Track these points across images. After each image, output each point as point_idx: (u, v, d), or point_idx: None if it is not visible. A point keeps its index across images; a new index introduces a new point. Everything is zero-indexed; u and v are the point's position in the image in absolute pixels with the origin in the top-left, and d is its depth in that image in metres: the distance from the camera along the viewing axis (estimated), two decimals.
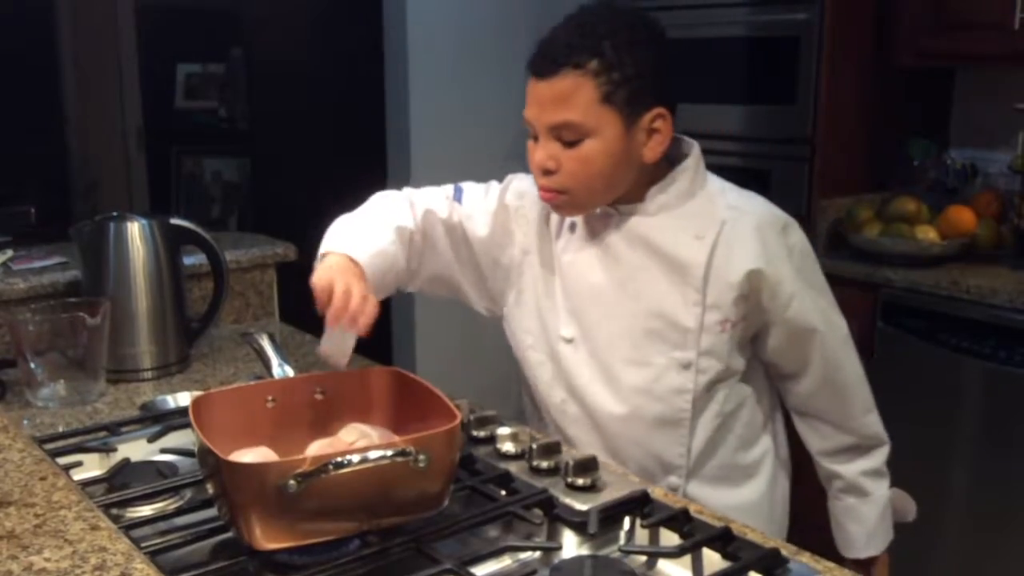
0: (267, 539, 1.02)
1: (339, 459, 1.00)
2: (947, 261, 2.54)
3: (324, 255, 1.34)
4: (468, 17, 3.08)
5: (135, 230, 1.69)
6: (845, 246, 2.68)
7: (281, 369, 1.31)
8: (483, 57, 3.12)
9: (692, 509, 1.15)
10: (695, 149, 1.39)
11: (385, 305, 3.43)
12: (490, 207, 1.49)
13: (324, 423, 1.22)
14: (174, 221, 1.75)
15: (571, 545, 1.12)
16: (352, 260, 1.31)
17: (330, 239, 1.37)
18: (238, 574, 1.03)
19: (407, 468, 1.03)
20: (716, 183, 1.41)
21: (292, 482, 0.99)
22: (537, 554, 1.11)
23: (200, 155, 4.18)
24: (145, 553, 0.90)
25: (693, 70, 3.00)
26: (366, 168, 3.41)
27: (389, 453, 1.02)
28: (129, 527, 1.08)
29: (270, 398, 1.22)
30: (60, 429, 1.41)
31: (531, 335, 1.48)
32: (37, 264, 1.87)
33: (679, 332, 1.34)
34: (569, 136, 1.29)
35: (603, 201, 1.36)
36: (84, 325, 1.56)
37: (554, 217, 1.43)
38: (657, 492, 1.20)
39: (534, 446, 1.26)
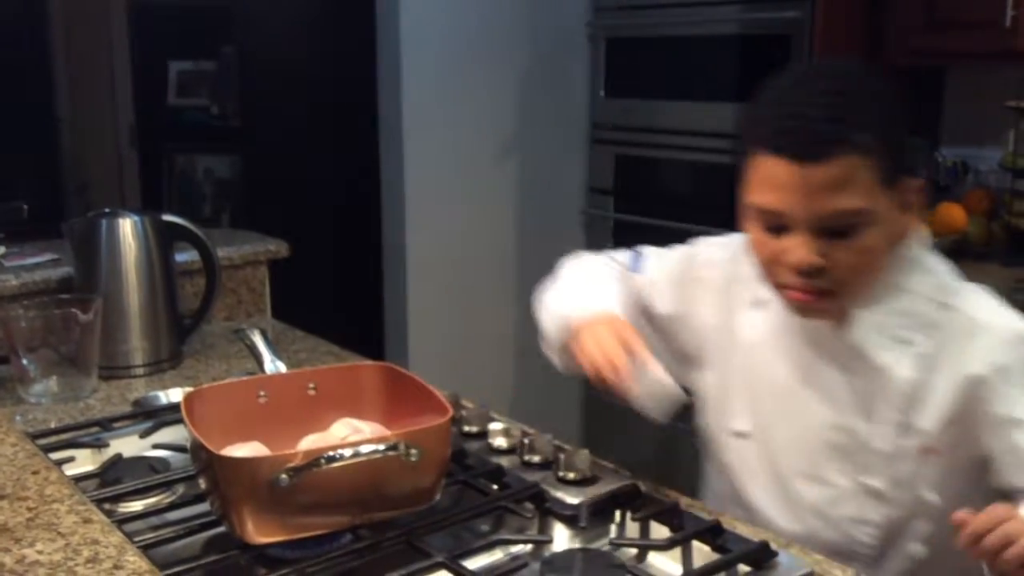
0: (259, 533, 1.03)
1: (331, 453, 1.00)
2: None
3: (574, 327, 1.22)
4: (461, 15, 3.08)
5: (127, 226, 1.69)
6: None
7: (273, 364, 1.32)
8: (476, 55, 3.12)
9: (683, 502, 1.16)
10: (923, 237, 1.17)
11: (377, 301, 3.44)
12: (673, 276, 1.33)
13: (316, 418, 1.22)
14: (166, 217, 1.75)
15: (562, 538, 1.13)
16: (608, 313, 1.21)
17: (565, 308, 1.26)
18: (230, 568, 1.04)
19: (399, 462, 1.03)
20: (934, 276, 1.18)
21: (284, 476, 0.99)
22: (528, 547, 1.11)
23: (192, 153, 4.18)
24: (137, 547, 0.91)
25: (685, 68, 3.02)
26: (358, 166, 3.42)
27: (381, 447, 1.02)
28: (121, 522, 1.08)
29: (262, 393, 1.23)
30: (52, 425, 1.42)
31: (708, 417, 1.33)
32: (29, 261, 1.87)
33: (867, 453, 1.15)
34: (842, 226, 1.07)
35: (864, 296, 1.14)
36: (76, 321, 1.56)
37: (747, 290, 1.25)
38: (648, 485, 1.21)
39: (526, 441, 1.27)
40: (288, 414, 1.22)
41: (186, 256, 1.85)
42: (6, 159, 4.25)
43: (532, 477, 1.21)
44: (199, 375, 1.68)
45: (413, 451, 1.04)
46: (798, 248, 1.08)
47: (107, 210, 1.73)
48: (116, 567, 0.77)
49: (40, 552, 0.79)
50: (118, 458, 1.29)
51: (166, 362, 1.72)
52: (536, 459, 1.25)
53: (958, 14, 2.56)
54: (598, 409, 3.44)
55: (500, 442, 1.30)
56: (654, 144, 3.12)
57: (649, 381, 1.15)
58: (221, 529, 1.08)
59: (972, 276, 2.41)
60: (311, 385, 1.25)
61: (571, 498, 1.16)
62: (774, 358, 1.21)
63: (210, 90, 4.15)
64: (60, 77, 4.95)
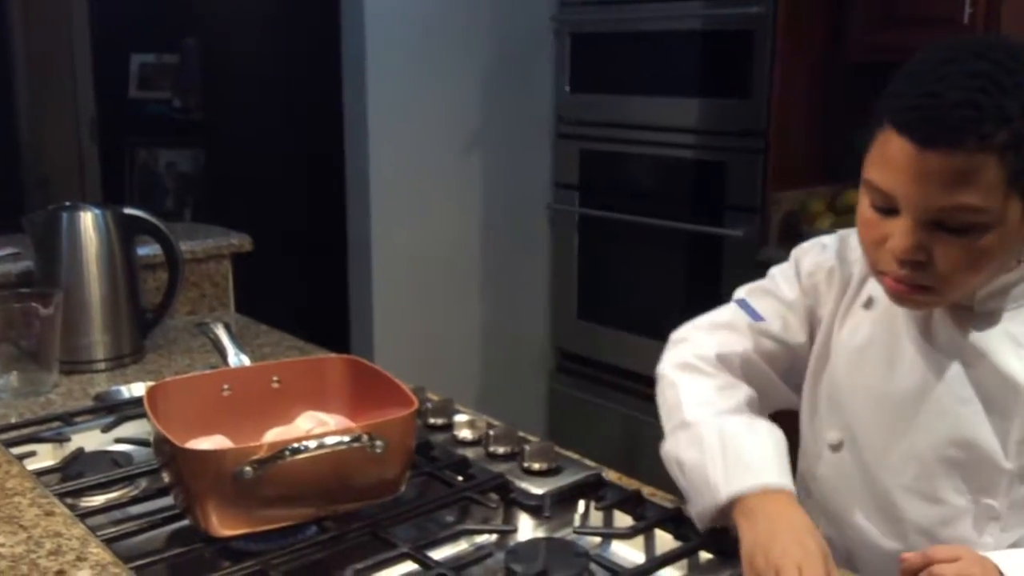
0: (224, 526, 1.02)
1: (296, 445, 1.00)
2: None
3: (735, 501, 1.02)
4: (426, 8, 3.07)
5: (88, 220, 1.67)
6: (799, 238, 2.69)
7: (237, 358, 1.31)
8: (441, 50, 3.12)
9: (645, 491, 1.17)
10: None
11: (342, 296, 3.43)
12: (790, 300, 1.20)
13: (281, 411, 1.22)
14: (128, 211, 1.73)
15: (527, 528, 1.14)
16: (782, 491, 1.02)
17: (718, 477, 1.05)
18: (194, 561, 1.03)
19: (364, 454, 1.04)
20: None
21: (248, 468, 0.99)
22: (493, 537, 1.12)
23: (154, 146, 4.13)
24: (100, 540, 0.90)
25: (649, 63, 3.04)
26: (323, 160, 3.40)
27: (346, 439, 1.03)
28: (83, 516, 1.07)
29: (226, 386, 1.22)
30: (13, 420, 1.40)
31: (801, 430, 1.22)
32: None
33: (989, 472, 1.05)
34: (956, 223, 0.97)
35: (967, 297, 1.05)
36: (37, 315, 1.54)
37: (852, 288, 1.16)
38: (612, 475, 1.22)
39: (491, 432, 1.28)
40: (252, 407, 1.21)
41: (148, 250, 1.83)
42: None
43: (497, 468, 1.22)
44: (162, 369, 1.67)
45: (378, 443, 1.04)
46: (902, 236, 0.99)
47: (68, 203, 1.71)
48: (79, 559, 0.76)
49: (1, 545, 0.79)
50: (80, 452, 1.28)
51: (128, 356, 1.71)
52: (501, 450, 1.26)
53: (918, 11, 2.60)
54: (563, 403, 3.46)
55: (465, 434, 1.31)
56: (619, 139, 3.14)
57: None
58: (185, 523, 1.08)
59: None
60: (275, 378, 1.25)
61: (535, 488, 1.17)
62: (886, 369, 1.11)
63: (172, 83, 4.11)
64: (19, 70, 4.87)
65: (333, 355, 1.32)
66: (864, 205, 1.03)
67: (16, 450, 1.24)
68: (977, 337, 1.05)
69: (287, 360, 1.29)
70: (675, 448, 1.11)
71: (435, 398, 1.41)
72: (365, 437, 1.03)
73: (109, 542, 1.00)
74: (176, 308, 1.85)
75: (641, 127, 3.05)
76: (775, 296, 1.20)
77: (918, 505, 1.09)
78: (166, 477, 1.08)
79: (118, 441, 1.34)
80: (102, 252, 1.67)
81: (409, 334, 3.18)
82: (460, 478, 1.22)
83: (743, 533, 0.99)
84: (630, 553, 1.10)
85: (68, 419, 1.38)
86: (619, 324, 3.20)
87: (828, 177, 2.86)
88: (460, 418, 1.34)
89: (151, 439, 1.13)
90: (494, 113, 3.26)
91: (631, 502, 1.14)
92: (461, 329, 3.32)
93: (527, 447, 1.23)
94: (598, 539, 1.12)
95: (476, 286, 3.33)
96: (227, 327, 1.37)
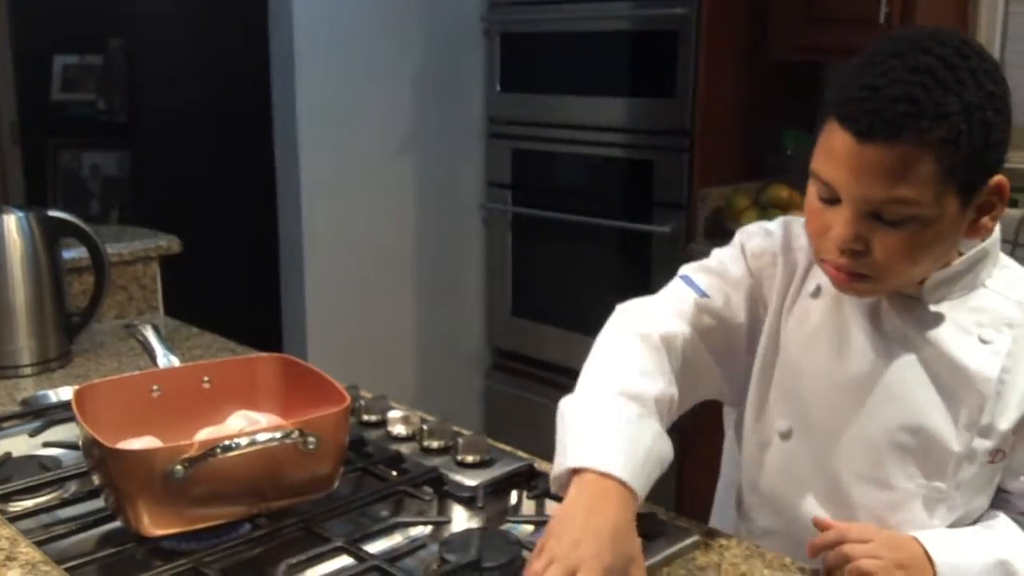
0: (155, 525, 1.02)
1: (227, 443, 1.01)
2: None
3: (576, 471, 0.97)
4: (355, 9, 3.07)
5: (11, 222, 1.64)
6: (725, 233, 2.77)
7: (166, 359, 1.31)
8: (371, 51, 3.12)
9: None
10: (997, 232, 1.09)
11: (275, 299, 3.39)
12: (735, 279, 1.19)
13: (212, 412, 1.21)
14: (52, 213, 1.71)
15: (461, 519, 1.15)
16: (623, 486, 0.96)
17: (576, 446, 1.00)
18: (126, 562, 1.03)
19: (296, 451, 1.04)
20: (1012, 270, 1.13)
21: (179, 467, 0.99)
22: (427, 529, 1.13)
23: (78, 149, 4.05)
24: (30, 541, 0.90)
25: (577, 64, 3.07)
26: (252, 161, 3.38)
27: (277, 435, 1.03)
28: (12, 519, 1.06)
29: (155, 387, 1.22)
30: None
31: (746, 418, 1.21)
32: None
33: (939, 456, 1.07)
34: (892, 215, 0.99)
35: (906, 287, 1.08)
36: None
37: (798, 276, 1.17)
38: (543, 465, 1.24)
39: (425, 427, 1.29)
40: (183, 408, 1.21)
41: (73, 253, 1.81)
42: None
43: (431, 462, 1.23)
44: (89, 373, 1.65)
45: (311, 439, 1.05)
46: (842, 226, 1.01)
47: None
48: (9, 559, 0.76)
49: None
50: (7, 457, 1.26)
51: (55, 361, 1.68)
52: (435, 445, 1.27)
53: (835, 11, 2.68)
54: (499, 400, 3.48)
55: (399, 430, 1.32)
56: (550, 138, 3.17)
57: None
58: (115, 524, 1.08)
59: None
60: (206, 378, 1.24)
61: (469, 480, 1.18)
62: (837, 356, 1.11)
63: (96, 85, 4.03)
64: None
65: (264, 354, 1.32)
66: (811, 194, 1.05)
67: None
68: (924, 325, 1.07)
69: (218, 360, 1.29)
70: (567, 404, 1.07)
71: (368, 395, 1.42)
72: (297, 433, 1.04)
73: (39, 545, 0.99)
74: (103, 311, 1.83)
75: (571, 126, 3.09)
76: (720, 275, 1.19)
77: (868, 491, 1.10)
78: (96, 479, 1.08)
79: (46, 445, 1.32)
80: (26, 255, 1.65)
81: (343, 336, 3.17)
82: (394, 473, 1.23)
83: (562, 505, 0.96)
84: None
85: None
86: (553, 321, 3.23)
87: (752, 173, 2.93)
88: (394, 414, 1.35)
89: (80, 442, 1.13)
90: (425, 113, 3.27)
91: None
92: (396, 329, 3.32)
93: (460, 440, 1.24)
94: (531, 527, 1.13)
95: (410, 286, 3.33)
96: (155, 328, 1.37)
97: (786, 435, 1.15)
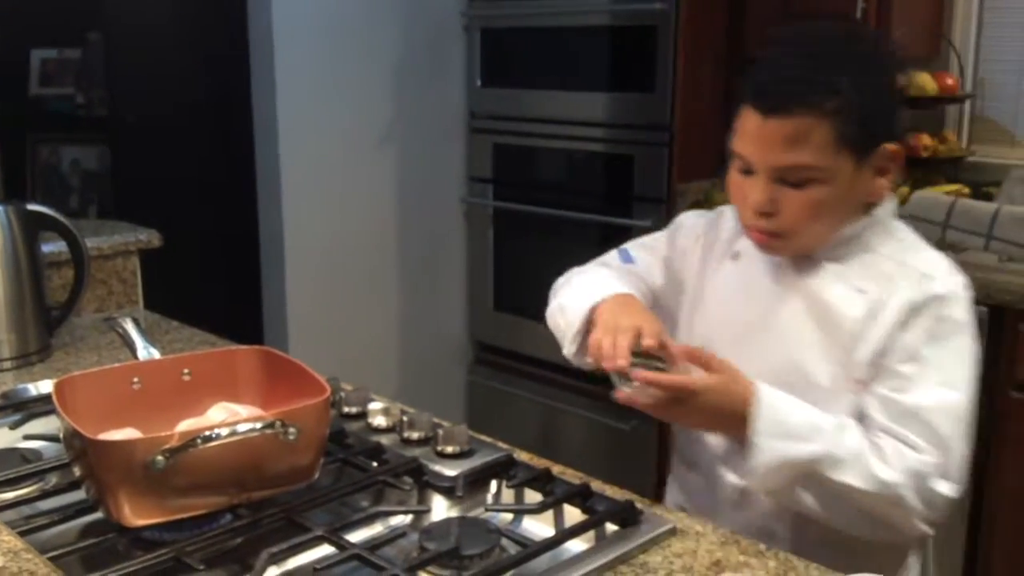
0: (136, 516, 1.03)
1: (207, 433, 1.01)
2: None
3: (594, 309, 1.26)
4: (336, 3, 3.07)
5: None
6: None
7: (146, 351, 1.31)
8: (351, 44, 3.12)
9: (555, 469, 1.21)
10: (890, 203, 1.26)
11: (255, 286, 3.38)
12: (660, 254, 1.41)
13: (192, 404, 1.22)
14: (31, 207, 1.71)
15: (440, 509, 1.17)
16: (625, 294, 1.27)
17: (584, 300, 1.29)
18: (107, 552, 1.04)
19: (277, 441, 1.05)
20: (899, 239, 1.26)
21: (160, 458, 1.00)
22: (408, 519, 1.15)
23: (57, 143, 4.02)
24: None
25: (557, 58, 3.09)
26: (232, 156, 3.37)
27: (258, 426, 1.04)
28: None
29: (136, 380, 1.22)
30: None
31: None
32: None
33: (814, 389, 1.20)
34: (794, 178, 1.17)
35: (823, 243, 1.23)
36: None
37: (721, 249, 1.34)
38: (523, 455, 1.26)
39: (405, 419, 1.30)
40: (163, 400, 1.22)
41: (53, 247, 1.81)
42: None
43: (411, 453, 1.24)
44: (69, 367, 1.65)
45: (291, 429, 1.06)
46: (756, 192, 1.19)
47: None
48: None
49: None
50: None
51: (34, 355, 1.68)
52: (415, 436, 1.28)
53: (812, 7, 2.69)
54: (482, 394, 3.50)
55: (380, 421, 1.33)
56: (531, 133, 3.18)
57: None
58: (96, 515, 1.08)
59: None
60: (186, 371, 1.25)
61: (448, 470, 1.19)
62: (743, 305, 1.29)
63: (75, 79, 4.00)
64: None
65: (245, 347, 1.33)
66: (732, 171, 1.23)
67: None
68: (814, 279, 1.24)
69: (198, 352, 1.29)
70: (558, 300, 1.38)
71: (349, 388, 1.43)
72: (278, 424, 1.04)
73: (21, 536, 1.00)
74: (83, 305, 1.82)
75: (552, 121, 3.10)
76: (649, 248, 1.42)
77: None
78: (77, 470, 1.08)
79: (27, 438, 1.33)
80: (5, 249, 1.65)
81: (324, 330, 3.17)
82: (374, 463, 1.24)
83: (596, 323, 1.23)
84: (540, 528, 1.13)
85: None
86: (535, 315, 3.21)
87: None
88: (374, 406, 1.36)
89: (60, 434, 1.13)
90: (407, 108, 3.27)
91: (541, 480, 1.18)
92: (377, 324, 3.32)
93: (440, 431, 1.25)
94: (509, 515, 1.15)
95: (392, 281, 3.34)
96: (135, 321, 1.37)
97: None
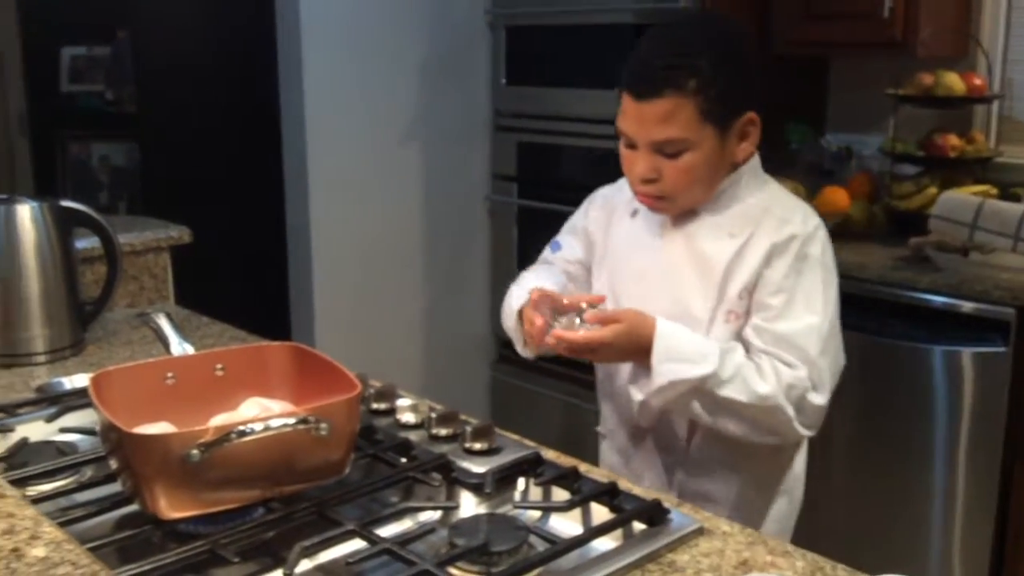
0: (172, 509, 1.05)
1: (242, 428, 1.03)
2: None
3: (521, 312, 1.48)
4: (362, 4, 3.09)
5: (25, 213, 1.67)
6: None
7: (180, 347, 1.33)
8: (378, 42, 3.13)
9: (582, 468, 1.22)
10: (754, 160, 1.45)
11: (282, 282, 3.40)
12: (577, 230, 1.61)
13: (225, 399, 1.24)
14: (65, 203, 1.73)
15: (469, 505, 1.18)
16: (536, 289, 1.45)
17: (511, 305, 1.53)
18: (143, 544, 1.05)
19: (309, 436, 1.06)
20: (770, 186, 1.48)
21: (195, 452, 1.01)
22: (437, 514, 1.16)
23: (87, 140, 4.07)
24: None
25: (582, 56, 3.09)
26: (260, 153, 3.40)
27: (291, 421, 1.05)
28: (30, 503, 1.08)
29: (170, 375, 1.24)
30: None
31: None
32: None
33: (693, 321, 1.41)
34: (670, 149, 1.36)
35: (701, 200, 1.43)
36: None
37: (619, 209, 1.54)
38: (549, 454, 1.27)
39: (433, 416, 1.31)
40: (197, 395, 1.23)
41: (85, 243, 1.83)
42: None
43: (439, 449, 1.25)
44: (102, 361, 1.67)
45: (323, 425, 1.07)
46: (640, 163, 1.40)
47: (4, 196, 1.70)
48: (33, 537, 0.78)
49: None
50: (24, 442, 1.28)
51: (68, 349, 1.71)
52: (443, 432, 1.29)
53: (838, 5, 2.69)
54: (505, 392, 3.51)
55: (408, 418, 1.34)
56: (555, 131, 3.18)
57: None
58: (131, 508, 1.10)
59: (854, 255, 2.55)
60: (219, 366, 1.27)
61: (477, 467, 1.20)
62: (638, 255, 1.49)
63: (105, 76, 4.05)
64: None
65: (276, 343, 1.34)
66: (621, 146, 1.43)
67: None
68: (694, 228, 1.44)
69: (231, 348, 1.31)
70: (502, 309, 1.58)
71: (377, 384, 1.44)
72: (311, 419, 1.06)
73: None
74: (115, 300, 1.85)
75: (576, 119, 3.10)
76: (571, 229, 1.63)
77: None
78: (113, 463, 1.10)
79: (62, 431, 1.34)
80: (40, 245, 1.67)
81: (350, 327, 3.20)
82: (403, 459, 1.25)
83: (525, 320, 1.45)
84: (568, 526, 1.14)
85: (11, 410, 1.38)
86: None
87: None
88: (402, 402, 1.37)
89: (96, 427, 1.15)
90: (432, 106, 3.28)
91: (568, 478, 1.19)
92: (402, 321, 3.34)
93: (468, 428, 1.26)
94: (537, 513, 1.16)
95: (417, 278, 3.35)
96: (169, 316, 1.39)
97: None
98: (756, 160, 1.46)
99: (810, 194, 2.78)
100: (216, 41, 3.70)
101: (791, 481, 1.54)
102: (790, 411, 1.35)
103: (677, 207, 1.44)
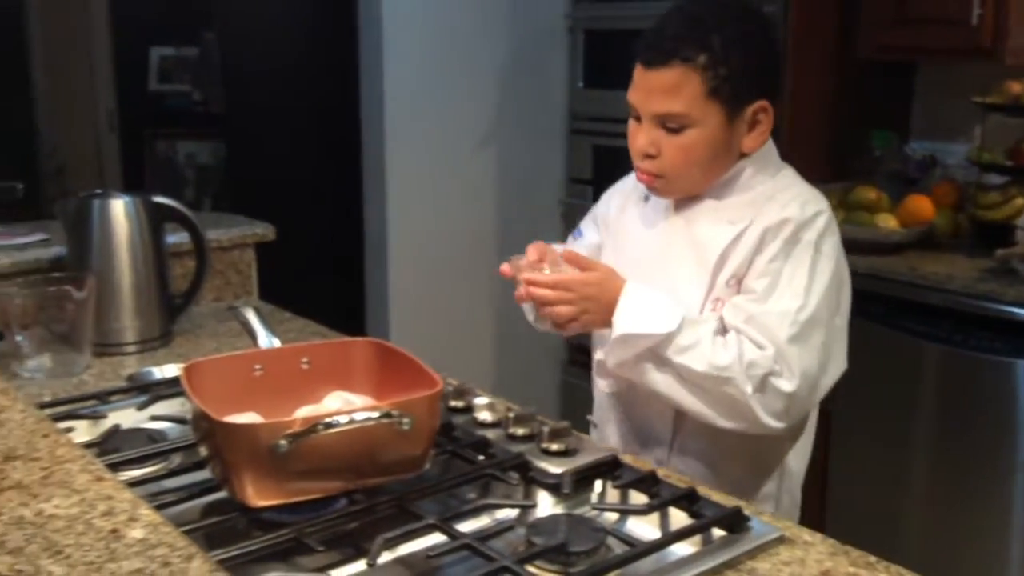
0: (259, 497, 1.07)
1: (328, 420, 1.05)
2: (906, 248, 2.63)
3: None
4: (442, 4, 3.12)
5: (119, 207, 1.73)
6: None
7: (268, 340, 1.36)
8: (457, 44, 3.17)
9: (660, 472, 1.21)
10: (766, 147, 1.41)
11: (359, 288, 3.44)
12: (597, 217, 1.60)
13: (309, 392, 1.26)
14: (157, 199, 1.78)
15: (546, 505, 1.18)
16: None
17: None
18: (229, 530, 1.08)
19: (391, 430, 1.08)
20: (783, 174, 1.43)
21: (283, 442, 1.04)
22: (514, 512, 1.17)
23: (174, 138, 4.19)
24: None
25: None
26: (340, 152, 3.45)
27: (375, 415, 1.07)
28: None
29: (257, 367, 1.27)
30: (47, 399, 1.45)
31: None
32: (19, 240, 1.90)
33: (693, 309, 1.38)
34: (672, 124, 1.34)
35: (699, 187, 1.40)
36: (70, 299, 1.60)
37: (634, 194, 1.52)
38: (626, 457, 1.27)
39: (510, 415, 1.32)
40: (282, 387, 1.26)
41: (174, 238, 1.88)
42: None
43: (516, 449, 1.26)
44: (189, 353, 1.72)
45: (405, 420, 1.09)
46: (642, 135, 1.38)
47: (99, 191, 1.76)
48: (131, 519, 0.81)
49: (57, 507, 0.84)
50: (116, 429, 1.33)
51: (157, 340, 1.76)
52: (520, 432, 1.30)
53: (927, 11, 2.63)
54: (575, 394, 3.50)
55: (485, 416, 1.35)
56: None
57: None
58: (218, 495, 1.13)
59: (938, 265, 2.50)
60: (304, 360, 1.29)
61: (554, 468, 1.21)
62: (643, 239, 1.48)
63: (192, 76, 4.16)
64: (37, 60, 4.93)
65: (360, 338, 1.37)
66: (630, 119, 1.41)
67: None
68: (697, 216, 1.41)
69: (316, 342, 1.34)
70: None
71: (454, 382, 1.46)
72: (394, 413, 1.07)
73: None
74: (203, 294, 1.90)
75: None
76: (591, 217, 1.62)
77: None
78: (203, 450, 1.13)
79: (153, 419, 1.39)
80: (132, 239, 1.73)
81: (423, 326, 3.23)
82: (481, 457, 1.26)
83: None
84: (646, 530, 1.14)
85: (103, 398, 1.43)
86: None
87: (839, 174, 2.90)
88: (480, 401, 1.38)
89: (187, 416, 1.18)
90: (509, 108, 3.30)
91: (646, 482, 1.19)
92: (475, 321, 3.36)
93: (545, 429, 1.27)
94: (615, 515, 1.16)
95: (490, 279, 3.37)
96: (256, 311, 1.42)
97: None
98: (770, 148, 1.41)
99: (893, 202, 2.73)
100: (301, 43, 3.78)
101: (783, 484, 1.46)
102: (747, 387, 1.28)
103: (674, 189, 1.41)
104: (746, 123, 1.36)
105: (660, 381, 1.33)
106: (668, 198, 1.44)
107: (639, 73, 1.36)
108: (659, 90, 1.33)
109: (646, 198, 1.49)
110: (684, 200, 1.43)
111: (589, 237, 1.60)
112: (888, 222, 2.65)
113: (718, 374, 1.29)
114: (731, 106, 1.33)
